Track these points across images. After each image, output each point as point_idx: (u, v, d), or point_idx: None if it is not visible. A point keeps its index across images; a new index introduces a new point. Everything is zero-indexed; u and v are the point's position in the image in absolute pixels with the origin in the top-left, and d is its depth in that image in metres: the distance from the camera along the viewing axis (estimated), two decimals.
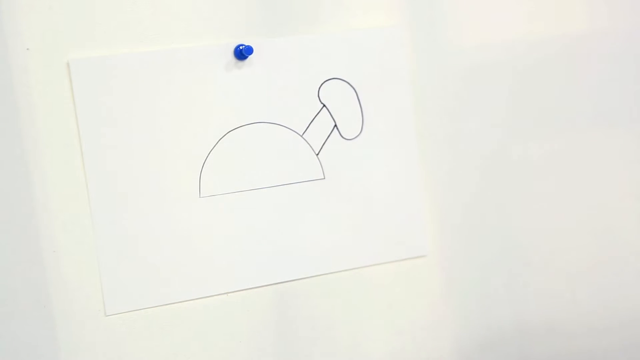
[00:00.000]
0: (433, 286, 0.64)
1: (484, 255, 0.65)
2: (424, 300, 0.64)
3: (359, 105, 0.63)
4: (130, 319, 0.57)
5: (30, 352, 0.54)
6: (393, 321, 0.63)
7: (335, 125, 0.62)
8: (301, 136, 0.61)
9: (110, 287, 0.56)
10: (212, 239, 0.59)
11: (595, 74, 0.70)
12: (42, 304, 0.55)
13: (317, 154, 0.62)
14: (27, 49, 0.54)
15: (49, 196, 0.55)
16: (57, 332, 0.55)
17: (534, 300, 0.64)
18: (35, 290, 0.55)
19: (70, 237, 0.55)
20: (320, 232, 0.61)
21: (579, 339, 0.67)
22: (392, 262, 0.63)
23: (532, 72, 0.67)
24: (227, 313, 0.59)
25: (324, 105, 0.62)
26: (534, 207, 0.67)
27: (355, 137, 0.63)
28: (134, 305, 0.57)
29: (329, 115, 0.62)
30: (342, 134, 0.63)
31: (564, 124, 0.69)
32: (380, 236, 0.63)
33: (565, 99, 0.69)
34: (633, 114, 0.70)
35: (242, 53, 0.58)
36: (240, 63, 0.59)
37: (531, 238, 0.67)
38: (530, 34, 0.67)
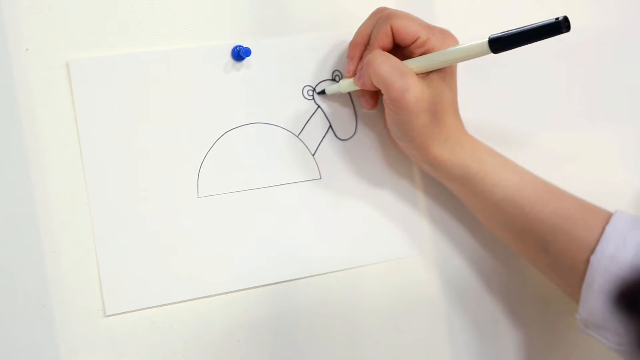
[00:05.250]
0: (429, 284, 0.65)
1: (481, 253, 0.66)
2: (421, 298, 0.65)
3: (352, 105, 0.64)
4: (130, 319, 0.57)
5: (30, 352, 0.54)
6: (391, 320, 0.64)
7: (330, 126, 0.63)
8: (297, 137, 0.62)
9: (110, 287, 0.56)
10: (210, 239, 0.59)
11: (594, 69, 0.71)
12: (42, 304, 0.54)
13: (313, 155, 0.63)
14: (27, 49, 0.55)
15: (49, 196, 0.55)
16: (57, 332, 0.55)
17: (531, 298, 0.65)
18: (35, 290, 0.54)
19: (70, 237, 0.55)
20: (317, 231, 0.62)
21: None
22: (389, 261, 0.64)
23: (528, 69, 0.68)
24: (226, 313, 0.59)
25: (319, 106, 0.63)
26: None
27: (350, 137, 0.64)
28: (133, 305, 0.57)
29: (324, 116, 0.63)
30: (337, 135, 0.63)
31: (560, 121, 0.70)
32: (376, 235, 0.64)
33: (563, 96, 0.70)
34: (633, 111, 0.72)
35: (239, 54, 0.59)
36: (238, 64, 0.60)
37: None
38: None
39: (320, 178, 0.63)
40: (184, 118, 0.59)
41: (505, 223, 0.61)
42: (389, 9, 0.59)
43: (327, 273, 0.62)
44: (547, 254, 0.60)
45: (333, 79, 0.63)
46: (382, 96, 0.57)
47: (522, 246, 0.62)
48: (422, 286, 0.65)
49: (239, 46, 0.59)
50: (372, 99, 0.62)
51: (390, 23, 0.57)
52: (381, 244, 0.64)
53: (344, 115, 0.63)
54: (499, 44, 0.52)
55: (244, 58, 0.60)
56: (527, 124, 0.69)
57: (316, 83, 0.62)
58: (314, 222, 0.62)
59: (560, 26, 0.49)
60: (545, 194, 0.60)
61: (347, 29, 0.62)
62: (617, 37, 0.72)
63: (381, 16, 0.58)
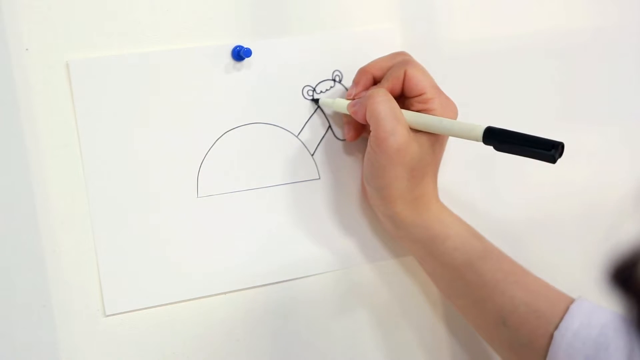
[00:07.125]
0: (428, 283, 0.65)
1: None
2: (420, 298, 0.65)
3: None
4: (130, 319, 0.57)
5: (30, 352, 0.54)
6: (390, 319, 0.64)
7: (330, 126, 0.63)
8: (297, 137, 0.62)
9: (110, 287, 0.56)
10: (210, 239, 0.59)
11: (590, 70, 0.71)
12: (41, 304, 0.54)
13: (312, 155, 0.63)
14: (27, 49, 0.54)
15: (49, 196, 0.55)
16: (57, 332, 0.55)
17: None
18: (34, 290, 0.54)
19: (70, 237, 0.55)
20: (316, 231, 0.62)
21: None
22: (388, 260, 0.64)
23: (528, 68, 0.69)
24: (225, 313, 0.59)
25: (319, 107, 0.63)
26: (531, 205, 0.68)
27: None
28: (133, 305, 0.57)
29: (324, 116, 0.63)
30: (337, 135, 0.63)
31: (560, 120, 0.70)
32: (375, 235, 0.64)
33: (560, 95, 0.70)
34: (629, 111, 0.72)
35: (239, 54, 0.59)
36: (238, 64, 0.60)
37: (528, 235, 0.68)
38: (525, 29, 0.69)
39: (319, 178, 0.63)
40: (184, 118, 0.59)
41: (463, 290, 0.59)
42: (410, 56, 0.59)
43: (326, 272, 0.63)
44: (505, 327, 0.57)
45: (333, 79, 0.63)
46: (369, 135, 0.57)
47: (479, 317, 0.60)
48: (422, 286, 0.65)
49: (240, 46, 0.59)
50: (355, 131, 0.61)
51: (405, 68, 0.57)
52: (380, 244, 0.64)
53: (343, 116, 0.63)
54: (492, 138, 0.52)
55: (244, 58, 0.60)
56: (522, 124, 0.69)
57: (316, 83, 0.62)
58: (313, 222, 0.62)
59: (556, 147, 0.49)
60: (509, 267, 0.59)
61: (347, 29, 0.63)
62: (613, 38, 0.72)
63: (400, 60, 0.58)
